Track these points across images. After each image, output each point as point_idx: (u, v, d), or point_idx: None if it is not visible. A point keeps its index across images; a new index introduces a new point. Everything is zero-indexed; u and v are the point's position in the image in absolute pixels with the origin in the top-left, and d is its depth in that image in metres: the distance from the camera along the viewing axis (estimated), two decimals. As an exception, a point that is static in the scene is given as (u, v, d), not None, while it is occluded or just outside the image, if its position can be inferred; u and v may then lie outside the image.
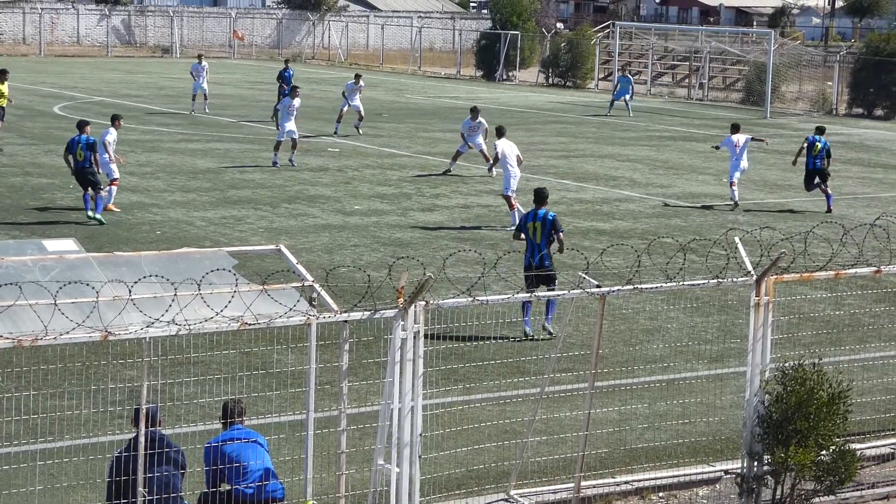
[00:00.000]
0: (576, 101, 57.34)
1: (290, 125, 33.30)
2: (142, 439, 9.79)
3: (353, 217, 26.65)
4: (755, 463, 12.38)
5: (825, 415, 11.92)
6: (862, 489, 12.93)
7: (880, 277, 19.62)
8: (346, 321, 10.38)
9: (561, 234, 17.70)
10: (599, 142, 41.92)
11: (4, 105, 35.16)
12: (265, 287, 9.97)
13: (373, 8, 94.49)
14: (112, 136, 26.33)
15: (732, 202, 29.47)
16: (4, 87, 35.64)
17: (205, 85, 46.04)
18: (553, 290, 16.41)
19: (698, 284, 12.69)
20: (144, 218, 25.82)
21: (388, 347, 10.68)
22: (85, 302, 9.34)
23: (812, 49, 71.76)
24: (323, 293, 10.51)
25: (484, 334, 16.72)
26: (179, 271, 9.95)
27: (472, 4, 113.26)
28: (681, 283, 12.22)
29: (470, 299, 10.92)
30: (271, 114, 42.34)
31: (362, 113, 40.88)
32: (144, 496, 9.85)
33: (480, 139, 32.89)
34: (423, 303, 10.61)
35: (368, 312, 10.39)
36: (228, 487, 10.23)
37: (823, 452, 12.05)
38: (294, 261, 10.80)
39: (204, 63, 46.71)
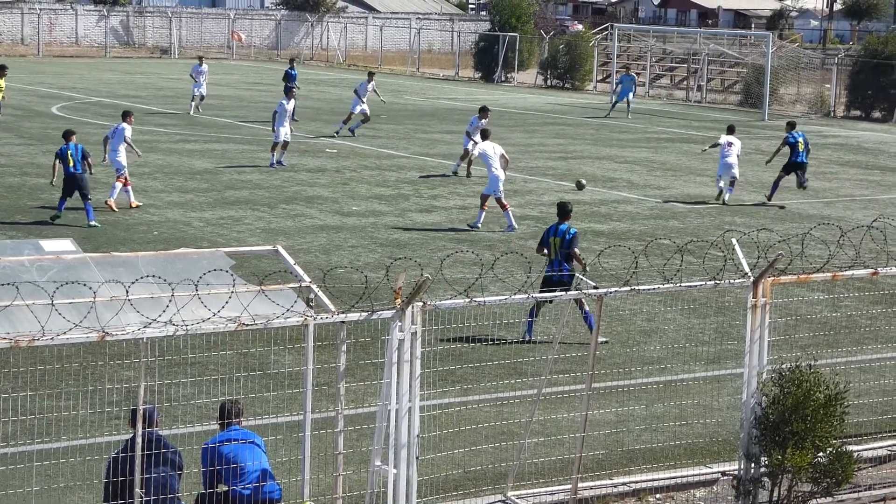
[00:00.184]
0: (574, 103, 57.36)
1: (285, 128, 33.47)
2: (139, 440, 9.79)
3: (350, 218, 26.65)
4: (752, 465, 12.38)
5: (822, 417, 11.93)
6: (859, 491, 12.93)
7: (877, 279, 19.63)
8: (343, 322, 10.38)
9: (576, 250, 17.60)
10: (597, 143, 41.94)
11: (0, 100, 35.35)
12: (262, 288, 9.97)
13: (371, 9, 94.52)
14: (129, 131, 26.82)
15: (719, 194, 30.42)
16: (2, 83, 35.76)
17: (203, 89, 46.05)
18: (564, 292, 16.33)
19: (695, 286, 12.70)
20: (142, 218, 25.82)
21: (385, 348, 10.68)
22: (82, 302, 9.34)
23: (810, 51, 71.79)
24: (320, 294, 10.51)
25: (481, 335, 16.72)
26: (177, 272, 9.95)
27: (470, 6, 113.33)
28: (678, 284, 12.23)
29: (467, 300, 10.92)
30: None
31: (368, 115, 40.88)
32: (141, 497, 9.85)
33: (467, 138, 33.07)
34: (421, 304, 10.61)
35: (366, 313, 10.39)
36: (226, 488, 10.23)
37: (820, 454, 12.05)
38: (291, 261, 10.80)
39: (204, 66, 46.75)
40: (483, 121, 32.73)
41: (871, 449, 13.67)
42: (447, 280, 11.79)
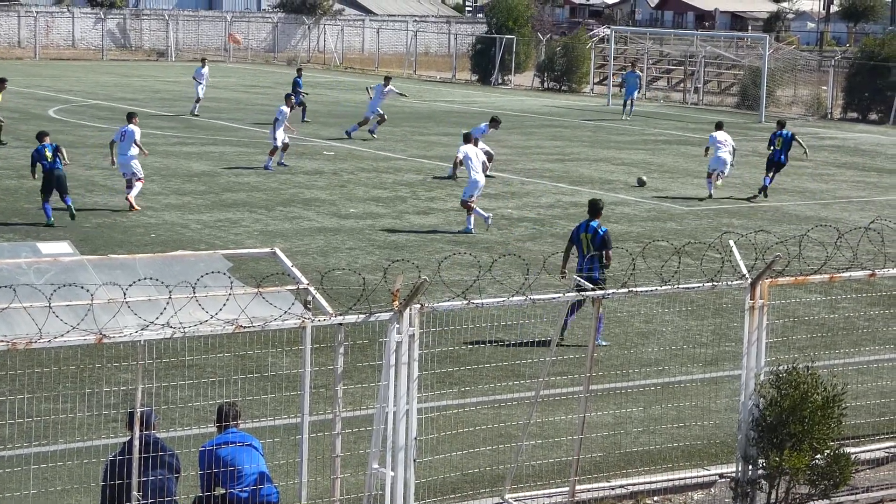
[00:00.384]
0: (571, 105, 57.38)
1: (281, 133, 33.62)
2: (136, 443, 9.78)
3: (348, 220, 26.65)
4: (750, 467, 12.38)
5: (820, 418, 11.93)
6: (857, 493, 12.93)
7: (875, 281, 19.62)
8: (341, 324, 10.38)
9: (610, 251, 17.68)
10: (595, 145, 41.95)
11: None
12: (260, 290, 9.97)
13: (368, 12, 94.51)
14: (138, 132, 27.15)
15: (707, 193, 31.38)
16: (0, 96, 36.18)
17: (201, 91, 46.24)
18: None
19: (693, 288, 12.70)
20: (139, 221, 25.81)
21: (383, 350, 10.67)
22: (79, 305, 9.34)
23: (807, 53, 71.83)
24: (318, 296, 10.50)
25: (479, 338, 16.71)
26: (174, 274, 9.95)
27: (467, 8, 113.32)
28: (676, 286, 12.23)
29: (465, 302, 10.92)
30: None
31: (384, 116, 41.30)
32: (139, 500, 9.84)
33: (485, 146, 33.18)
34: (419, 306, 10.61)
35: (363, 315, 10.39)
36: (223, 491, 10.22)
37: (818, 456, 12.05)
38: (289, 264, 10.79)
39: (205, 69, 47.00)
40: (491, 130, 32.89)
41: (868, 451, 13.67)
42: (445, 282, 11.79)
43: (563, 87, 66.05)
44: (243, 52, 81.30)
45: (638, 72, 54.82)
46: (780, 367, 12.27)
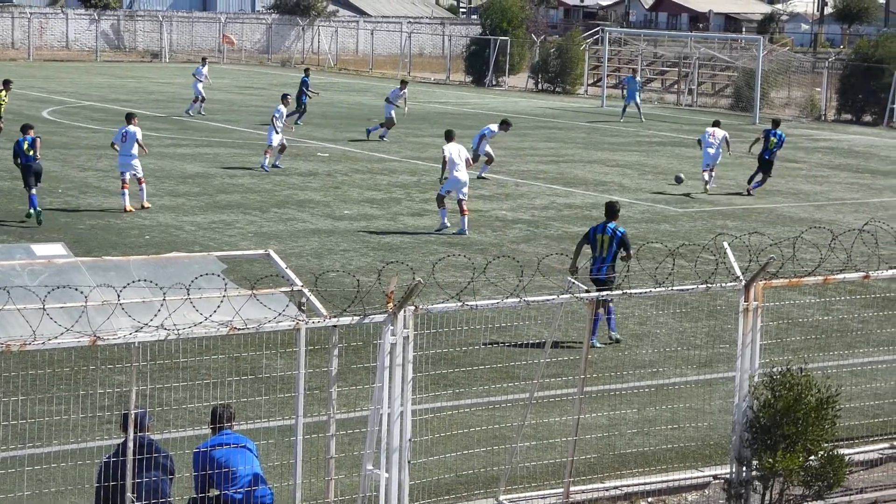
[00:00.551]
0: (565, 107, 57.40)
1: (279, 134, 33.74)
2: (130, 444, 9.77)
3: (342, 222, 26.64)
4: (744, 468, 12.40)
5: (813, 420, 11.95)
6: (850, 494, 12.95)
7: (868, 283, 19.64)
8: (335, 326, 10.38)
9: (630, 252, 17.74)
10: (589, 147, 41.98)
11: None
12: (254, 292, 9.97)
13: (362, 13, 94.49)
14: (140, 132, 27.40)
15: (704, 186, 32.41)
16: (6, 97, 36.63)
17: (200, 89, 46.58)
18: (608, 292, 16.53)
19: (687, 289, 12.71)
20: (133, 222, 25.80)
21: (377, 352, 10.67)
22: (73, 307, 9.33)
23: (801, 55, 71.91)
24: (312, 298, 10.51)
25: (473, 339, 16.71)
26: (168, 276, 9.95)
27: (461, 10, 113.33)
28: (670, 288, 12.24)
29: (459, 304, 10.92)
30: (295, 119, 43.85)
31: (395, 121, 41.63)
32: (133, 502, 9.83)
33: (489, 147, 33.33)
34: (413, 307, 10.61)
35: (358, 317, 10.39)
36: (217, 493, 10.21)
37: (812, 457, 12.07)
38: (283, 265, 10.79)
39: (204, 68, 47.52)
40: (500, 132, 33.21)
41: (862, 452, 13.68)
42: (439, 284, 11.79)
43: (557, 89, 66.07)
44: (237, 53, 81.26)
45: (638, 79, 54.97)
46: (774, 369, 12.28)
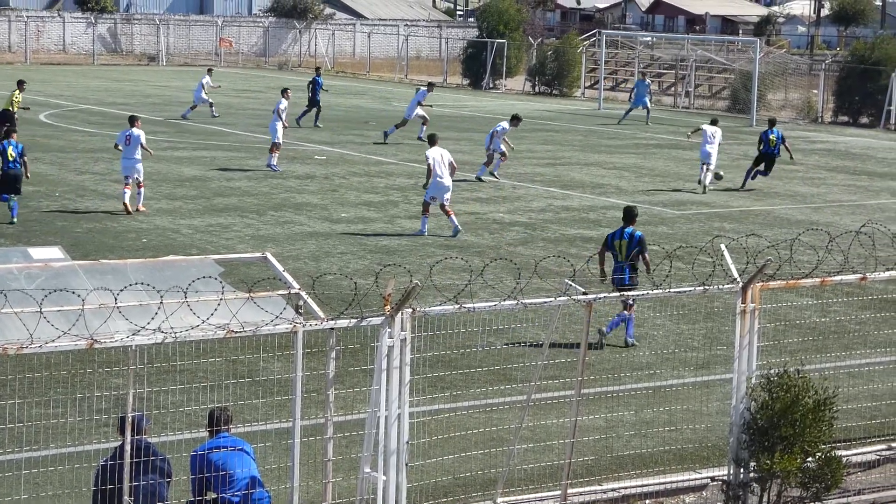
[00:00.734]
0: (562, 110, 57.41)
1: (279, 125, 33.93)
2: (127, 447, 9.76)
3: (339, 224, 26.64)
4: (741, 470, 12.40)
5: (811, 421, 11.95)
6: (848, 496, 12.95)
7: (866, 284, 19.67)
8: (332, 329, 10.37)
9: (647, 253, 17.75)
10: (586, 150, 41.99)
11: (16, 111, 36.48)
12: (251, 295, 9.97)
13: (359, 16, 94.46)
14: (144, 136, 27.60)
15: (699, 182, 33.05)
16: (20, 97, 36.94)
17: (198, 96, 46.84)
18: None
19: (684, 291, 12.71)
20: (130, 226, 25.79)
21: (374, 355, 10.67)
22: (70, 310, 9.32)
23: (797, 57, 71.90)
24: (309, 301, 10.50)
25: (471, 342, 16.71)
26: (165, 279, 9.94)
27: (458, 13, 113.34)
28: (667, 290, 12.24)
29: (457, 307, 10.92)
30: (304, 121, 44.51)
31: (406, 122, 42.07)
32: (130, 504, 9.82)
33: (503, 144, 33.54)
34: (410, 310, 10.61)
35: (355, 320, 10.38)
36: (215, 496, 10.21)
37: (809, 459, 12.07)
38: (280, 268, 10.79)
39: (204, 79, 47.98)
40: (511, 128, 33.59)
41: (860, 454, 13.69)
42: (436, 286, 11.78)
43: (554, 92, 66.08)
44: (234, 56, 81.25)
45: (648, 81, 55.20)
46: (772, 371, 12.28)
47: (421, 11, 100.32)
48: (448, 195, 25.66)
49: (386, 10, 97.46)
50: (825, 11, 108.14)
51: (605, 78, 62.23)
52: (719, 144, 33.31)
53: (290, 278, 10.65)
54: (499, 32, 68.88)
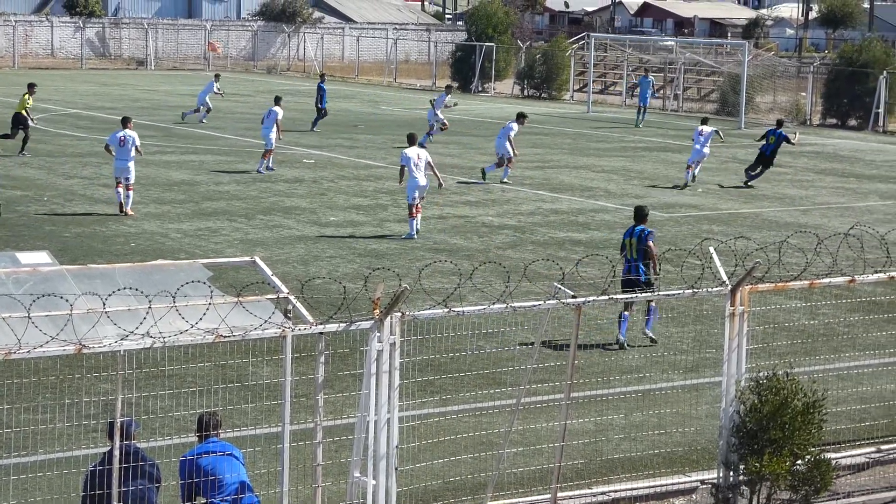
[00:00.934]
0: (551, 113, 57.44)
1: (272, 134, 33.89)
2: (116, 453, 9.74)
3: (328, 228, 26.62)
4: (731, 473, 12.41)
5: (800, 424, 11.96)
6: (837, 499, 12.96)
7: (854, 287, 19.71)
8: (321, 333, 10.36)
9: (651, 243, 17.85)
10: (575, 153, 42.01)
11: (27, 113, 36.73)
12: (240, 299, 9.95)
13: (348, 20, 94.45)
14: (138, 137, 27.70)
15: (683, 182, 34.09)
16: (31, 101, 36.90)
17: (200, 101, 47.53)
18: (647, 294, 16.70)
19: (673, 294, 12.71)
20: (119, 230, 25.74)
21: (364, 359, 10.66)
22: (59, 315, 9.30)
23: (786, 60, 72.08)
24: (298, 305, 10.49)
25: (460, 346, 16.70)
26: (154, 283, 9.92)
27: (447, 16, 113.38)
28: (656, 293, 12.25)
29: (446, 310, 10.91)
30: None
31: (435, 126, 42.21)
32: (119, 510, 9.80)
33: (508, 145, 33.68)
34: (399, 314, 10.60)
35: (344, 324, 10.37)
36: (204, 501, 10.19)
37: (798, 462, 12.08)
38: (269, 272, 10.77)
39: (212, 83, 48.61)
40: (519, 126, 33.96)
41: (849, 456, 13.70)
42: (426, 290, 11.78)
43: (543, 95, 66.13)
44: (223, 60, 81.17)
45: (651, 77, 55.54)
46: (761, 374, 12.29)
47: (410, 15, 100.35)
48: (419, 194, 25.66)
49: (375, 14, 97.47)
50: (813, 14, 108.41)
51: (593, 81, 62.24)
52: (718, 134, 34.93)
53: (278, 282, 10.63)
54: (487, 36, 68.93)
